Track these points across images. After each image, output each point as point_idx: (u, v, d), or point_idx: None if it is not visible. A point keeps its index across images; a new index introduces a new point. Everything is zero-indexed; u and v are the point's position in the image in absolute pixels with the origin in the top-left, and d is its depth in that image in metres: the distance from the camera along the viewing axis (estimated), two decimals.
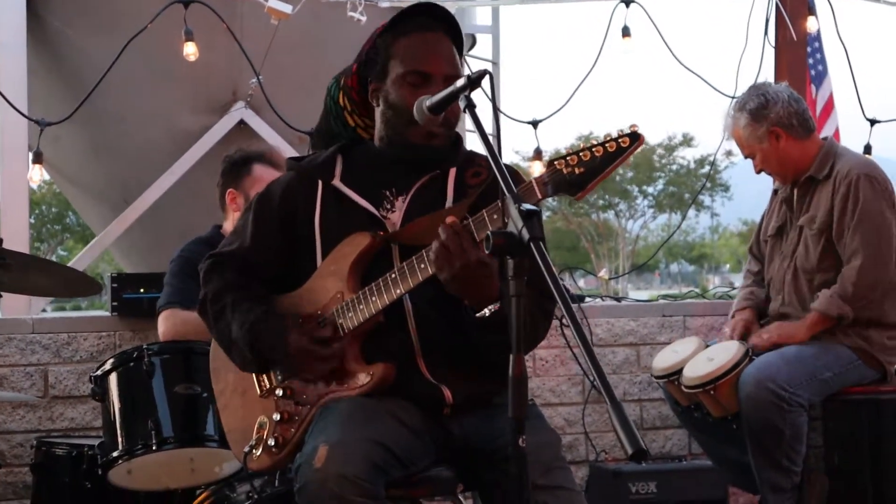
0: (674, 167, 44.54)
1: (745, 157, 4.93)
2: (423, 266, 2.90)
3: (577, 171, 2.75)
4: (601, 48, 6.97)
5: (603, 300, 7.28)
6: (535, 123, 7.37)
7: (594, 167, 2.77)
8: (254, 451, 3.25)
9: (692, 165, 40.95)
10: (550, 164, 2.80)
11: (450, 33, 3.23)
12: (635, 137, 2.83)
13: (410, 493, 3.16)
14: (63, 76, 8.80)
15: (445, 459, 3.15)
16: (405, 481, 3.03)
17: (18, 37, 8.57)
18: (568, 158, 2.78)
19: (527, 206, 2.52)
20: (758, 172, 4.93)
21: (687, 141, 44.41)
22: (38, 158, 7.16)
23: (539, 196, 2.78)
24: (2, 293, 4.15)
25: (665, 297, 7.89)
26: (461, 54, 3.26)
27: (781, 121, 4.74)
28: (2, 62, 8.37)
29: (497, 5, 10.65)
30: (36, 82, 8.61)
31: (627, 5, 7.04)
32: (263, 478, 4.02)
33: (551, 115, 7.43)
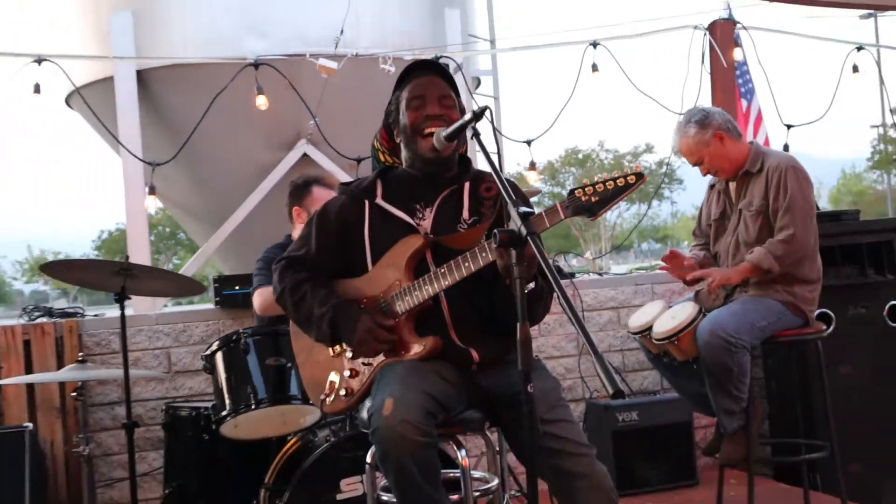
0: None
1: (693, 165, 4.92)
2: (466, 265, 2.97)
3: (592, 199, 2.84)
4: (577, 79, 6.97)
5: (589, 275, 7.33)
6: (528, 142, 7.38)
7: (606, 197, 2.85)
8: (328, 399, 3.33)
9: (653, 167, 40.84)
10: (572, 192, 2.85)
11: (440, 75, 3.32)
12: (640, 176, 2.88)
13: (452, 430, 3.20)
14: (167, 128, 8.79)
15: (475, 405, 3.20)
16: (447, 422, 3.08)
17: (132, 101, 8.58)
18: (586, 189, 2.85)
19: (523, 208, 2.59)
20: (705, 174, 4.95)
21: (648, 149, 44.30)
22: (152, 191, 7.21)
23: (562, 216, 2.87)
24: (131, 296, 4.18)
25: (638, 269, 7.93)
26: (454, 88, 3.31)
27: (721, 126, 4.78)
28: (121, 120, 8.39)
29: (495, 52, 10.65)
30: (147, 134, 8.63)
31: (595, 47, 7.06)
32: (337, 423, 4.09)
33: (541, 134, 7.44)
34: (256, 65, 6.75)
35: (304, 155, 8.95)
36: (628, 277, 6.94)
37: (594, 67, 7.12)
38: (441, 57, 8.64)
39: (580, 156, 44.35)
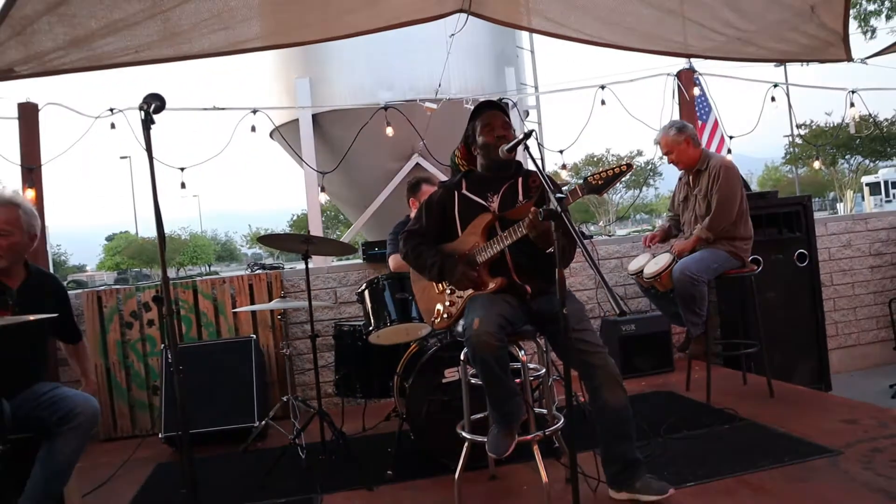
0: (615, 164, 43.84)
1: (664, 154, 4.88)
2: (520, 230, 2.97)
3: (599, 182, 2.81)
4: (591, 110, 6.85)
5: (602, 236, 7.27)
6: (561, 151, 7.28)
7: (608, 180, 2.84)
8: (436, 320, 3.35)
9: (642, 164, 40.08)
10: (585, 178, 2.84)
11: (497, 108, 3.32)
12: (629, 167, 2.90)
13: (515, 338, 3.20)
14: (331, 150, 8.91)
15: (529, 321, 3.20)
16: (512, 333, 3.09)
17: (309, 134, 8.75)
18: (595, 175, 2.85)
19: (559, 194, 2.59)
20: (671, 163, 4.92)
21: (639, 153, 43.29)
22: (322, 189, 7.29)
23: (580, 194, 2.86)
24: (312, 256, 4.23)
25: (633, 232, 7.84)
26: (509, 116, 3.32)
27: (690, 134, 4.75)
28: (303, 146, 8.55)
29: (538, 94, 10.55)
30: (319, 153, 8.78)
31: (602, 88, 6.95)
32: (441, 335, 4.11)
33: (569, 146, 7.34)
34: (386, 108, 6.76)
35: (417, 164, 9.01)
36: (627, 238, 6.83)
37: (602, 102, 6.99)
38: (502, 99, 8.58)
39: (594, 158, 43.59)
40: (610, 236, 7.37)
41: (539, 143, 2.99)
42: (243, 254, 65.14)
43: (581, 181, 2.92)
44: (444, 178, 7.54)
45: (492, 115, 3.27)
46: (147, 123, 2.35)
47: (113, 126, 5.83)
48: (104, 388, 5.40)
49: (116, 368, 5.47)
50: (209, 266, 53.32)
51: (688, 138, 4.77)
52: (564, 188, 3.12)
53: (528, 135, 2.92)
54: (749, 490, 3.17)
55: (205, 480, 4.01)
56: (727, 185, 4.60)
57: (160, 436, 4.82)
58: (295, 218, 49.99)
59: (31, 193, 5.43)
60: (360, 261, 6.07)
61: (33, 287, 3.27)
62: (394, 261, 4.67)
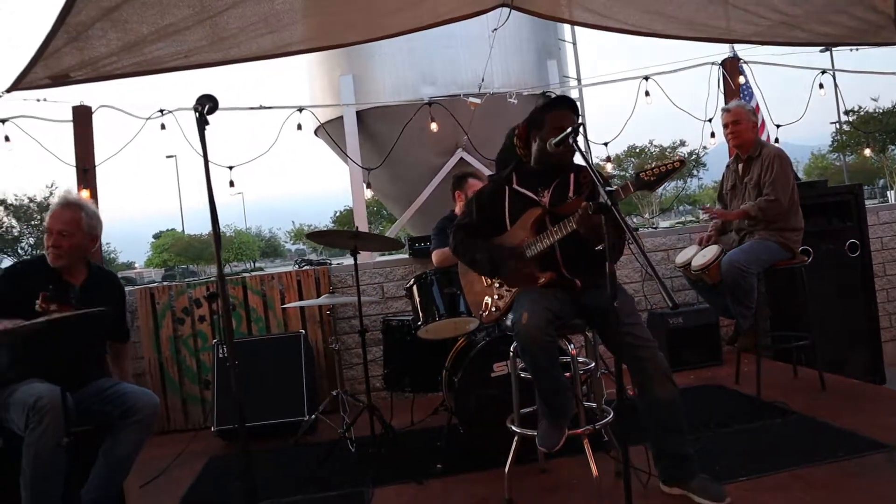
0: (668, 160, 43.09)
1: (728, 125, 4.80)
2: (570, 225, 2.96)
3: (651, 178, 2.77)
4: (636, 101, 6.80)
5: (647, 228, 7.20)
6: (606, 143, 7.25)
7: (660, 177, 2.79)
8: (484, 313, 3.37)
9: (685, 155, 39.43)
10: (637, 174, 2.81)
11: (572, 109, 3.23)
12: (682, 163, 2.83)
13: (564, 332, 3.21)
14: (375, 146, 8.96)
15: (578, 315, 3.19)
16: (561, 327, 3.09)
17: (354, 130, 8.80)
18: (647, 171, 2.81)
19: (609, 188, 2.58)
20: (727, 136, 4.84)
21: (682, 143, 42.69)
22: (368, 185, 7.34)
23: (631, 190, 2.82)
24: (359, 251, 4.27)
25: (677, 224, 7.77)
26: (577, 114, 3.26)
27: (756, 120, 4.81)
28: (348, 143, 8.61)
29: (581, 87, 10.47)
30: (363, 150, 8.83)
31: (647, 80, 6.89)
32: (489, 329, 4.12)
33: (613, 139, 7.32)
34: (430, 103, 6.79)
35: (461, 158, 9.01)
36: (673, 230, 6.76)
37: (647, 93, 6.93)
38: (546, 91, 8.56)
39: (637, 150, 43.00)
40: (655, 228, 7.31)
41: (585, 137, 2.94)
42: (287, 249, 65.92)
43: (633, 177, 2.90)
44: (488, 172, 7.55)
45: (564, 118, 3.18)
46: (201, 124, 2.40)
47: (163, 127, 5.94)
48: (157, 383, 5.53)
49: (169, 363, 5.59)
50: (254, 262, 54.07)
51: (755, 122, 4.79)
52: (614, 182, 3.09)
53: (575, 128, 2.89)
54: (802, 485, 3.12)
55: (257, 473, 4.08)
56: (783, 174, 4.55)
57: (213, 429, 4.91)
58: (338, 214, 50.33)
59: (85, 193, 5.57)
60: (405, 256, 6.10)
61: (95, 285, 3.37)
62: (437, 255, 4.69)
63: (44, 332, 2.85)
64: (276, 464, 4.33)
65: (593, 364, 3.52)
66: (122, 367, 3.71)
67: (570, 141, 2.93)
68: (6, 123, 5.70)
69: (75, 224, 3.28)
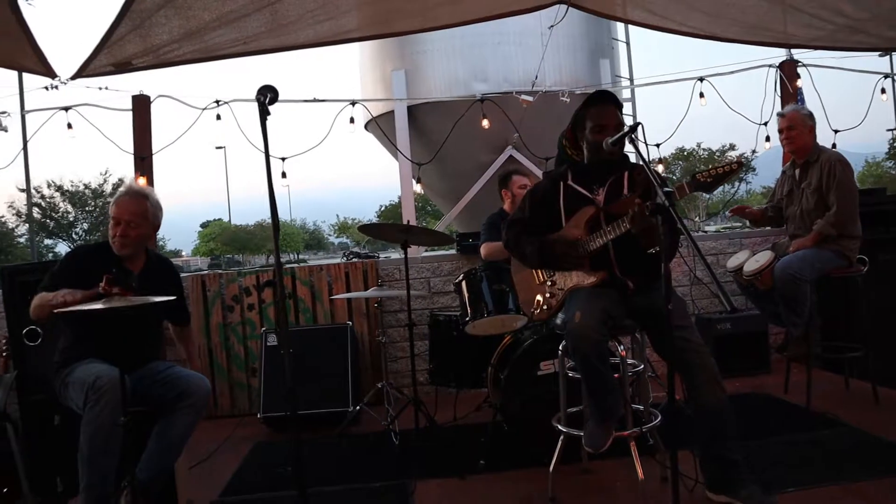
0: (725, 160, 42.30)
1: (783, 131, 4.69)
2: (624, 225, 2.93)
3: (708, 180, 2.74)
4: (690, 103, 6.72)
5: (695, 232, 7.11)
6: (658, 145, 7.17)
7: (718, 178, 2.77)
8: (535, 311, 3.35)
9: (734, 158, 38.70)
10: (694, 176, 2.79)
11: (614, 103, 3.20)
12: (741, 164, 2.82)
13: (615, 332, 3.18)
14: (426, 140, 8.98)
15: (630, 316, 3.15)
16: (612, 327, 3.06)
17: (405, 125, 8.84)
18: (704, 173, 2.78)
19: (666, 189, 2.54)
20: (783, 141, 4.74)
21: (732, 147, 41.90)
22: (419, 181, 7.37)
23: (687, 191, 2.80)
24: (410, 245, 4.29)
25: (723, 228, 7.66)
26: (621, 111, 3.23)
27: (814, 125, 4.66)
28: (399, 138, 8.65)
29: (633, 87, 10.37)
30: (413, 144, 8.87)
31: (701, 81, 6.80)
32: (535, 327, 4.10)
33: (665, 140, 7.23)
34: (482, 100, 6.79)
35: (510, 156, 9.00)
36: (723, 234, 6.66)
37: (701, 94, 6.83)
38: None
39: (684, 152, 42.34)
40: (706, 233, 7.21)
41: (645, 138, 2.92)
42: (330, 242, 66.49)
43: (689, 177, 2.86)
44: (537, 171, 7.53)
45: (606, 113, 3.17)
46: (263, 114, 2.43)
47: (219, 117, 6.04)
48: (206, 369, 5.62)
49: (218, 350, 5.69)
50: (297, 254, 54.62)
51: (812, 126, 4.66)
52: (668, 183, 3.06)
53: (633, 127, 2.86)
54: (854, 499, 3.04)
55: (300, 461, 4.12)
56: (847, 180, 4.45)
57: (259, 416, 4.98)
58: (383, 208, 50.55)
59: (142, 181, 5.68)
60: (452, 251, 6.10)
61: (152, 271, 3.45)
62: (486, 248, 4.69)
63: (105, 314, 2.91)
64: (320, 453, 4.37)
65: (642, 366, 3.49)
66: (188, 348, 3.81)
67: (628, 140, 2.91)
68: (69, 111, 5.84)
69: (142, 215, 3.36)
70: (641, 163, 2.90)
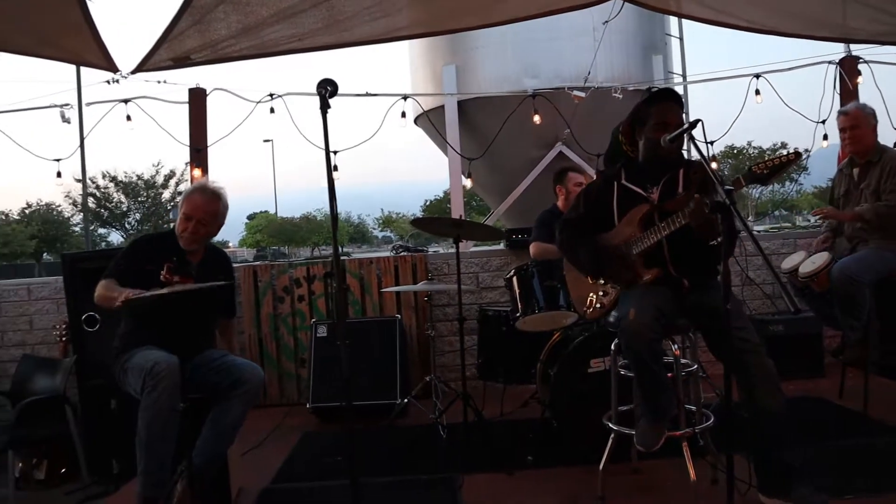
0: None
1: (844, 129, 4.58)
2: (679, 220, 2.89)
3: (765, 171, 2.68)
4: (745, 100, 6.61)
5: (746, 233, 6.98)
6: (711, 142, 7.05)
7: (774, 169, 2.69)
8: (588, 309, 3.33)
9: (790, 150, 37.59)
10: (749, 169, 2.73)
11: (677, 102, 3.16)
12: (798, 154, 2.73)
13: (668, 332, 3.14)
14: (475, 136, 8.97)
15: (684, 314, 3.12)
16: (666, 326, 3.02)
17: (454, 120, 8.84)
18: (759, 165, 2.72)
19: (727, 186, 2.51)
20: (844, 140, 4.63)
21: (783, 146, 40.90)
22: (469, 175, 7.36)
23: (743, 184, 2.74)
24: (462, 240, 4.30)
25: (772, 228, 7.50)
26: (682, 108, 3.19)
27: (876, 124, 4.55)
28: (449, 132, 8.66)
29: (686, 84, 10.22)
30: (463, 139, 8.87)
31: (757, 78, 6.68)
32: (585, 325, 4.08)
33: (720, 137, 7.14)
34: (534, 95, 6.76)
35: (560, 152, 8.94)
36: (777, 234, 6.54)
37: (757, 91, 6.70)
38: (651, 87, 8.38)
39: (734, 150, 41.41)
40: (756, 232, 7.08)
41: (704, 135, 2.85)
42: (374, 236, 66.87)
43: (745, 170, 2.81)
44: (588, 167, 7.46)
45: (669, 110, 3.13)
46: (324, 107, 2.46)
47: (272, 111, 6.12)
48: (256, 358, 5.71)
49: (268, 340, 5.78)
50: (342, 247, 55.02)
51: (875, 125, 4.54)
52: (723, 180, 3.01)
53: (693, 124, 2.81)
54: None
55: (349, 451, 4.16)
56: None
57: (308, 406, 5.05)
58: (428, 203, 50.58)
59: (197, 173, 5.80)
60: (501, 247, 6.09)
61: (210, 263, 3.53)
62: (535, 248, 4.68)
63: (165, 302, 2.98)
64: (368, 444, 4.41)
65: (695, 366, 3.45)
66: (229, 341, 3.87)
67: (686, 137, 2.87)
68: (128, 104, 5.98)
69: (213, 215, 3.44)
70: (699, 160, 2.86)
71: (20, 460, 4.52)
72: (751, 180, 2.75)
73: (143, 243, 3.58)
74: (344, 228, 55.70)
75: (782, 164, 2.72)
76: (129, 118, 6.01)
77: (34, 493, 4.50)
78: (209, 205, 3.41)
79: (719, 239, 2.57)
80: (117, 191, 34.97)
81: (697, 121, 2.83)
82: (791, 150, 2.77)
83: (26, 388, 4.60)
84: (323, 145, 2.45)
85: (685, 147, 3.15)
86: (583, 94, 6.85)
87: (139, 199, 35.35)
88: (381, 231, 63.81)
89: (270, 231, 51.03)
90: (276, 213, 56.33)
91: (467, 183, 7.53)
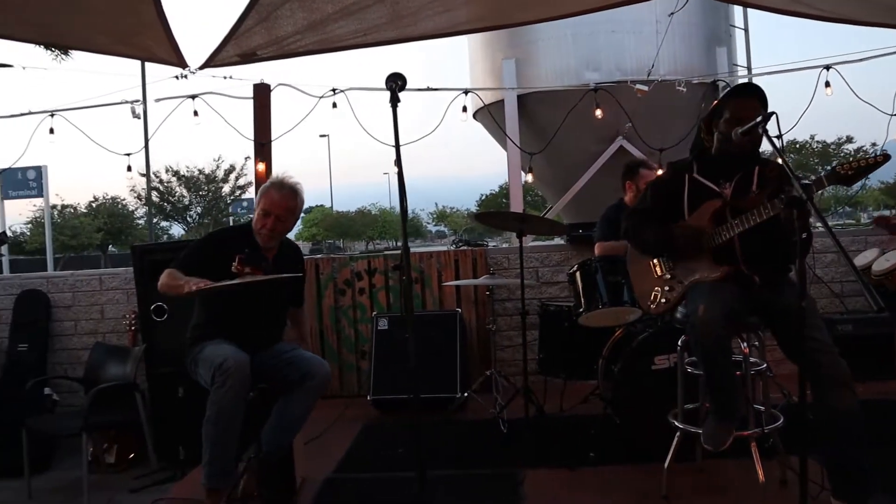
0: (841, 154, 39.94)
1: None
2: (753, 218, 2.85)
3: (850, 172, 2.61)
4: (814, 93, 6.42)
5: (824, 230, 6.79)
6: (779, 136, 6.88)
7: (860, 171, 2.62)
8: (652, 304, 3.28)
9: (851, 152, 36.36)
10: (833, 169, 2.66)
11: (760, 99, 3.08)
12: (886, 157, 2.66)
13: (738, 330, 3.08)
14: (535, 130, 8.94)
15: (754, 313, 3.05)
16: (735, 323, 2.97)
17: (514, 115, 8.82)
18: (843, 166, 2.65)
19: (804, 181, 2.45)
20: None
21: (849, 139, 39.49)
22: (530, 170, 7.30)
23: (825, 184, 2.67)
24: (525, 234, 4.28)
25: (834, 226, 7.28)
26: (764, 104, 3.08)
27: None
28: (508, 127, 8.66)
29: (751, 77, 9.97)
30: (522, 134, 8.84)
31: (828, 70, 6.49)
32: (648, 321, 4.03)
33: (788, 130, 6.95)
34: (596, 89, 6.69)
35: (620, 146, 8.85)
36: (847, 231, 6.35)
37: (827, 84, 6.51)
38: (715, 80, 8.23)
39: (797, 145, 40.18)
40: (817, 228, 6.87)
41: (779, 129, 2.75)
42: (427, 230, 67.09)
43: (828, 170, 2.73)
44: (649, 161, 7.36)
45: (747, 106, 3.04)
46: (394, 101, 2.48)
47: (335, 105, 6.19)
48: (316, 350, 5.79)
49: (329, 332, 5.86)
50: (396, 241, 55.35)
51: None
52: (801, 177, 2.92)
53: (767, 117, 2.74)
54: None
55: (410, 444, 4.20)
56: None
57: (369, 398, 5.10)
58: (483, 197, 50.47)
59: (261, 167, 5.88)
60: (561, 241, 6.04)
61: (283, 255, 3.57)
62: (599, 248, 4.60)
63: (236, 294, 3.05)
64: (429, 437, 4.43)
65: (764, 365, 3.37)
66: (302, 330, 3.95)
67: (760, 131, 2.79)
68: (195, 99, 6.11)
69: (292, 211, 3.47)
70: (775, 156, 2.79)
71: (92, 444, 4.68)
72: (834, 181, 2.68)
73: (218, 235, 3.65)
74: (398, 222, 56.05)
75: (868, 167, 2.64)
76: (196, 114, 6.14)
77: (105, 476, 4.66)
78: (287, 201, 3.43)
79: (805, 235, 2.50)
80: (179, 185, 35.80)
81: (772, 113, 2.76)
82: (878, 152, 2.69)
83: (98, 375, 4.76)
84: (384, 140, 2.47)
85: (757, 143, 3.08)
86: (646, 88, 6.75)
87: (200, 192, 36.13)
88: (435, 225, 63.99)
89: (326, 225, 51.64)
90: (331, 207, 56.92)
91: (528, 178, 7.49)
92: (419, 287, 5.78)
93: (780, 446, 3.32)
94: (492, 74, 9.55)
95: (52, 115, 6.17)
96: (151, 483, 4.40)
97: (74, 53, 5.98)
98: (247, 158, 34.99)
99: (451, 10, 4.50)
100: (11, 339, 5.73)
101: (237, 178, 35.36)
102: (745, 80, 9.73)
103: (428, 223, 66.06)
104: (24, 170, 17.20)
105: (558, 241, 6.17)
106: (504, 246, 6.45)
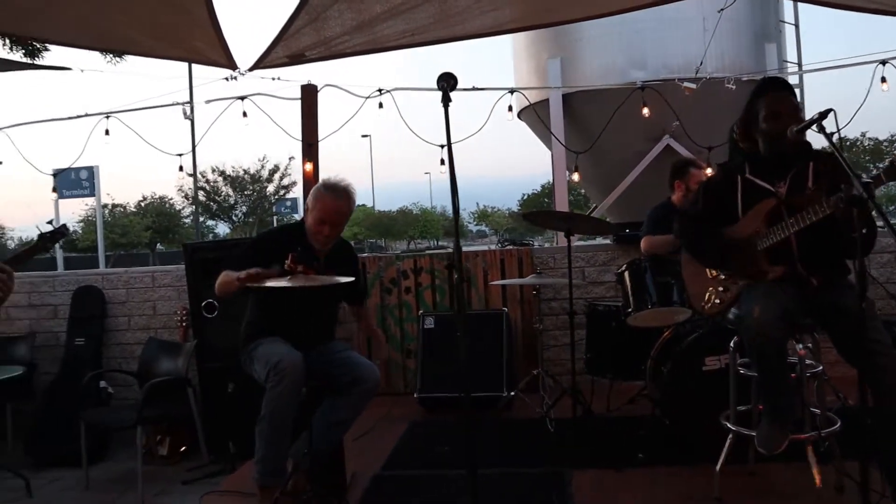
0: (895, 151, 38.97)
1: None
2: (809, 216, 2.78)
3: None
4: (869, 89, 6.25)
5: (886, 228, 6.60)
6: (832, 133, 6.72)
7: None
8: (706, 305, 3.23)
9: None
10: (891, 163, 2.59)
11: (786, 88, 3.05)
12: None
13: (793, 331, 3.02)
14: (581, 129, 8.89)
15: (810, 314, 2.99)
16: (791, 324, 2.91)
17: (559, 114, 8.78)
18: None
19: (865, 179, 2.39)
20: None
21: None
22: (576, 169, 7.22)
23: (884, 180, 2.61)
24: (573, 233, 4.25)
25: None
26: (795, 96, 3.06)
27: None
28: (553, 126, 8.61)
29: (802, 73, 9.79)
30: (567, 133, 8.79)
31: (884, 64, 6.31)
32: (697, 321, 3.98)
33: (843, 127, 6.75)
34: (642, 88, 6.62)
35: (667, 145, 8.75)
36: None
37: (883, 79, 6.34)
38: (765, 77, 8.07)
39: (847, 142, 39.13)
40: (883, 228, 6.68)
41: (837, 126, 2.68)
42: (469, 230, 67.06)
43: (886, 166, 2.66)
44: (697, 161, 7.26)
45: (779, 99, 3.01)
46: (446, 101, 2.47)
47: (381, 105, 6.22)
48: (363, 348, 5.81)
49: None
50: (437, 240, 55.46)
51: None
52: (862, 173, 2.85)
53: (824, 114, 2.68)
54: None
55: (456, 442, 4.22)
56: None
57: (415, 396, 5.12)
58: (526, 196, 50.24)
59: (309, 167, 5.94)
60: (607, 241, 5.99)
61: (336, 255, 3.59)
62: (646, 242, 4.55)
63: (288, 292, 3.08)
64: (475, 435, 4.43)
65: (820, 367, 3.30)
66: (369, 323, 4.07)
67: (817, 128, 2.73)
68: (244, 101, 6.20)
69: (345, 216, 3.49)
70: (830, 151, 2.72)
71: (146, 437, 4.79)
72: (892, 176, 2.61)
73: (270, 235, 3.71)
74: (439, 222, 56.10)
75: None
76: (245, 115, 6.22)
77: (158, 468, 4.77)
78: (342, 206, 3.43)
79: (865, 231, 2.45)
80: (225, 184, 36.39)
81: (829, 110, 2.70)
82: None
83: (151, 369, 4.88)
84: (430, 139, 2.47)
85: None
86: (693, 86, 6.65)
87: (245, 192, 36.68)
88: (476, 225, 63.91)
89: (368, 224, 51.93)
90: (373, 206, 57.23)
91: (574, 177, 7.43)
92: (465, 286, 5.78)
93: (837, 451, 3.24)
94: (536, 74, 9.51)
95: (107, 117, 6.30)
96: (203, 476, 4.49)
97: (128, 57, 6.09)
98: (291, 158, 35.50)
99: (497, 8, 4.49)
100: (69, 334, 5.88)
101: (281, 178, 35.86)
102: (794, 77, 9.58)
103: (469, 223, 66.05)
104: (78, 170, 17.58)
105: (603, 240, 6.11)
106: (547, 245, 6.39)
